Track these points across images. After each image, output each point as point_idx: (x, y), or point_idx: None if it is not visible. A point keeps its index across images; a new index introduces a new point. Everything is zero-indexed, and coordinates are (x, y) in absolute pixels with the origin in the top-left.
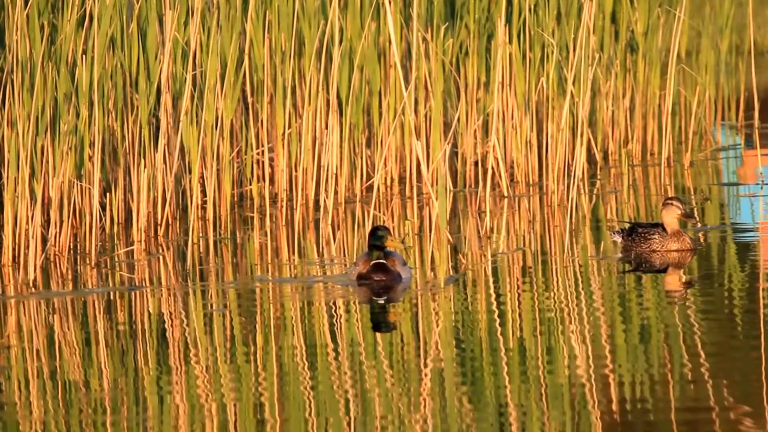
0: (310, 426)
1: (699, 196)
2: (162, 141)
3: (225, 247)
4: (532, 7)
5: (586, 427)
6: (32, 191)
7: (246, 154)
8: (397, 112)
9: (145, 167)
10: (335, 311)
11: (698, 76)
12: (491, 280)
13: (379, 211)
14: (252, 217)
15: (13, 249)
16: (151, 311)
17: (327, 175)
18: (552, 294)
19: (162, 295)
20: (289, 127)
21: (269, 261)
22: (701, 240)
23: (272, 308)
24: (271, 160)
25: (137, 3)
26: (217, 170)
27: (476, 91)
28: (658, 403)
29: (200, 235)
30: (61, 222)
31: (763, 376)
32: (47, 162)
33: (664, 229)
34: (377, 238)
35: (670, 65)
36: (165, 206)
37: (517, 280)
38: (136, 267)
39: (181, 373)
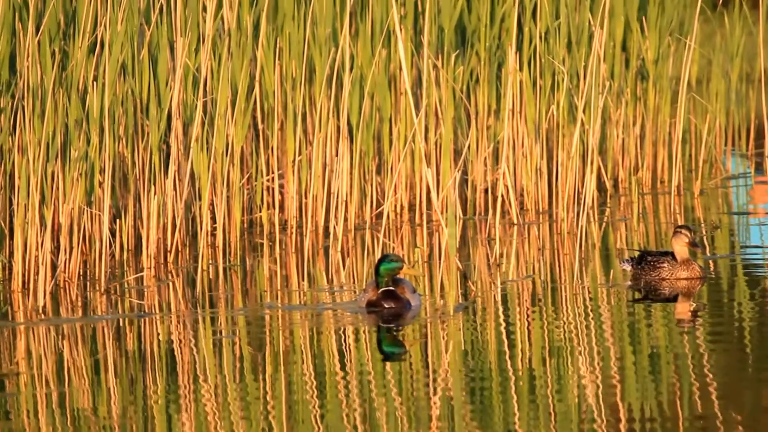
0: None
1: (709, 225)
2: (172, 167)
3: (234, 274)
4: (543, 34)
5: None
6: (42, 217)
7: (256, 180)
8: (408, 139)
9: (155, 194)
10: (345, 339)
11: (709, 104)
12: (501, 307)
13: (389, 239)
14: (262, 244)
15: (23, 275)
16: (160, 338)
17: (337, 202)
18: (561, 322)
19: (171, 322)
20: (300, 153)
21: (279, 288)
22: (711, 268)
23: (281, 335)
24: (281, 186)
25: (148, 30)
26: (227, 197)
27: (486, 118)
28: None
29: (210, 261)
30: (71, 248)
31: None
32: (57, 188)
33: (673, 258)
34: (387, 269)
35: (680, 93)
36: (175, 233)
37: (527, 307)
38: (145, 293)
39: (190, 401)
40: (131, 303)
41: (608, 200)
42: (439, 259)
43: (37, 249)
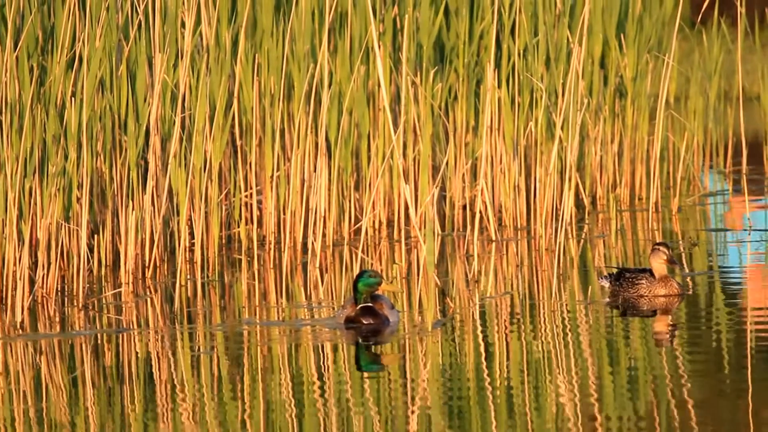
0: None
1: (687, 242)
2: (150, 183)
3: (213, 289)
4: (522, 51)
5: None
6: (20, 233)
7: (234, 196)
8: (386, 156)
9: (133, 209)
10: (323, 355)
11: (687, 121)
12: (479, 324)
13: (367, 255)
14: (240, 260)
15: (1, 291)
16: (138, 353)
17: (315, 217)
18: (539, 338)
19: (149, 338)
20: (278, 169)
21: (257, 304)
22: (689, 285)
23: (259, 351)
24: (260, 202)
25: (127, 45)
26: (206, 212)
27: (465, 135)
28: None
29: (188, 277)
30: (49, 264)
31: (750, 421)
32: (35, 203)
33: (651, 275)
34: (365, 285)
35: (658, 110)
36: (153, 248)
37: (505, 324)
38: (123, 309)
39: (168, 417)
40: (109, 318)
41: (586, 217)
42: (418, 275)
43: (14, 264)
